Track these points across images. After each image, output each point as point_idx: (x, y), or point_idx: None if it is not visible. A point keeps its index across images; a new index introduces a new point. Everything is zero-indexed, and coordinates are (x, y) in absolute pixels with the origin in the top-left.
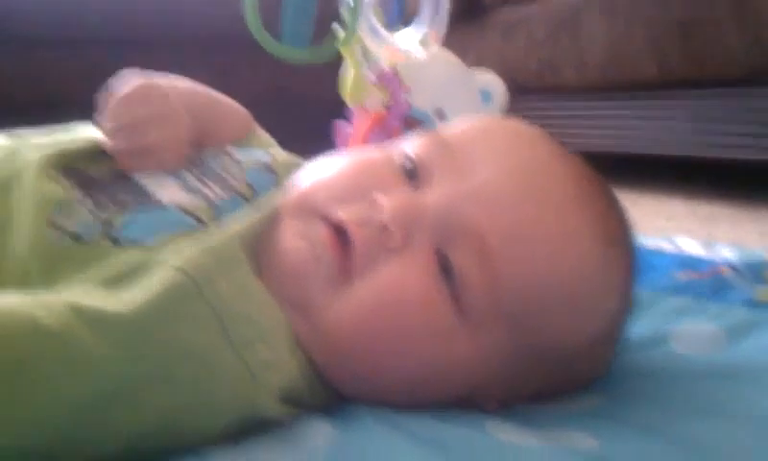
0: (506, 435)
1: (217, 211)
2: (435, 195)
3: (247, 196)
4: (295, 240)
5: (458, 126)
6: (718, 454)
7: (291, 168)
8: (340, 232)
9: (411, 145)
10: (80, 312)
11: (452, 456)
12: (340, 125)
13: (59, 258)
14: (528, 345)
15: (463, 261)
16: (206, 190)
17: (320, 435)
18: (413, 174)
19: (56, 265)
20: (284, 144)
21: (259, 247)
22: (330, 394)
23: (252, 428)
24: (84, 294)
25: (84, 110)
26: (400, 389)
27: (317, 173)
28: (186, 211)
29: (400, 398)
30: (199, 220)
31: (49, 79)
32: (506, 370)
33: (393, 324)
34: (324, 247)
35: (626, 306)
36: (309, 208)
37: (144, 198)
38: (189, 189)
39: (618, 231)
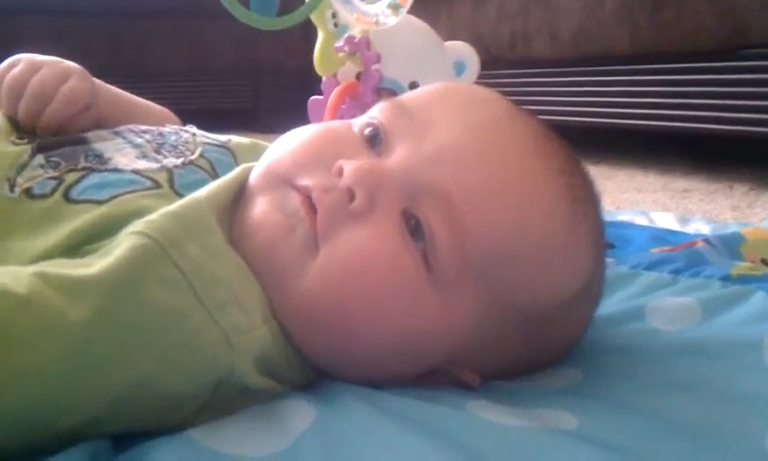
0: (487, 414)
1: (172, 176)
2: (397, 159)
3: (205, 168)
4: (270, 213)
5: (416, 92)
6: (694, 431)
7: (248, 150)
8: (310, 201)
9: (370, 114)
10: (47, 279)
11: (433, 435)
12: (314, 101)
13: (10, 211)
14: (502, 304)
15: (430, 221)
16: (163, 159)
17: (301, 415)
18: (375, 141)
19: (7, 218)
20: (258, 120)
21: (229, 220)
22: (306, 369)
23: (233, 402)
24: (47, 265)
25: None
26: (375, 358)
27: (281, 146)
28: (141, 174)
29: (376, 368)
30: (154, 182)
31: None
32: (481, 333)
33: (363, 288)
34: (301, 216)
35: (599, 268)
36: (276, 179)
37: (99, 162)
38: (145, 157)
39: (582, 188)
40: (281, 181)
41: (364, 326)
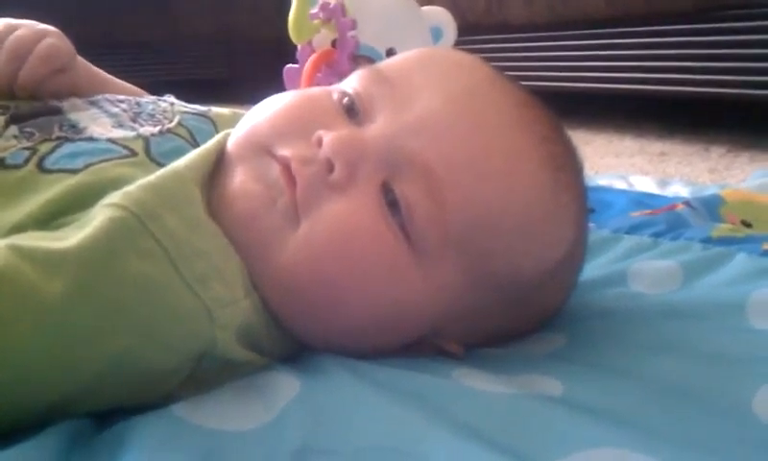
0: (473, 382)
1: (148, 144)
2: (377, 129)
3: (183, 136)
4: (249, 183)
5: (395, 59)
6: (680, 394)
7: (228, 120)
8: (290, 171)
9: (349, 82)
10: (22, 252)
11: (419, 404)
12: (290, 69)
13: None
14: (483, 274)
15: (409, 193)
16: (139, 128)
17: (285, 386)
18: (353, 111)
19: None
20: (234, 89)
21: (209, 189)
22: (288, 341)
23: (217, 376)
24: (23, 238)
25: None
26: (356, 330)
27: (259, 112)
28: (116, 142)
29: (357, 340)
30: (130, 150)
31: None
32: (464, 303)
33: (343, 261)
34: (280, 188)
35: (581, 236)
36: (255, 147)
37: (74, 132)
38: (121, 126)
39: (565, 156)
40: (260, 149)
41: (343, 298)
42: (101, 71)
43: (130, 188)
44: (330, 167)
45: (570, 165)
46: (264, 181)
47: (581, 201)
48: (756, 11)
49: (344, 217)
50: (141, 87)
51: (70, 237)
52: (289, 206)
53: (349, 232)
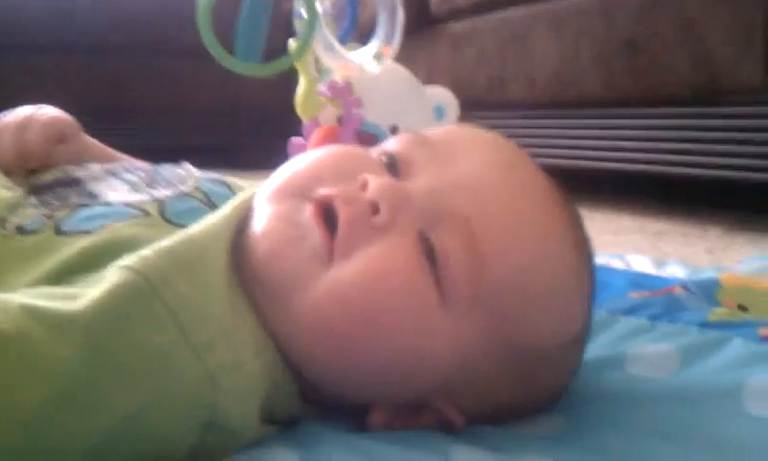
0: (469, 460)
1: (163, 206)
2: (420, 182)
3: (199, 198)
4: (275, 223)
5: (433, 130)
6: None
7: (244, 188)
8: (326, 214)
9: (388, 144)
10: (34, 314)
11: None
12: (295, 142)
13: (1, 247)
14: (504, 337)
15: (447, 244)
16: (154, 192)
17: None
18: (393, 168)
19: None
20: (238, 157)
21: (236, 242)
22: (296, 404)
23: (223, 448)
24: (36, 295)
25: None
26: (372, 373)
27: (298, 162)
28: (131, 205)
29: (370, 384)
30: (144, 211)
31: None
32: (479, 365)
33: (374, 303)
34: (311, 226)
35: (589, 319)
36: (293, 192)
37: (91, 198)
38: (138, 191)
39: (585, 242)
40: (296, 193)
41: (368, 338)
42: (110, 149)
43: (144, 252)
44: (375, 209)
45: (587, 251)
46: (291, 221)
47: (592, 287)
48: (751, 97)
49: (381, 259)
50: (144, 153)
51: (82, 296)
52: (320, 245)
53: (384, 274)
